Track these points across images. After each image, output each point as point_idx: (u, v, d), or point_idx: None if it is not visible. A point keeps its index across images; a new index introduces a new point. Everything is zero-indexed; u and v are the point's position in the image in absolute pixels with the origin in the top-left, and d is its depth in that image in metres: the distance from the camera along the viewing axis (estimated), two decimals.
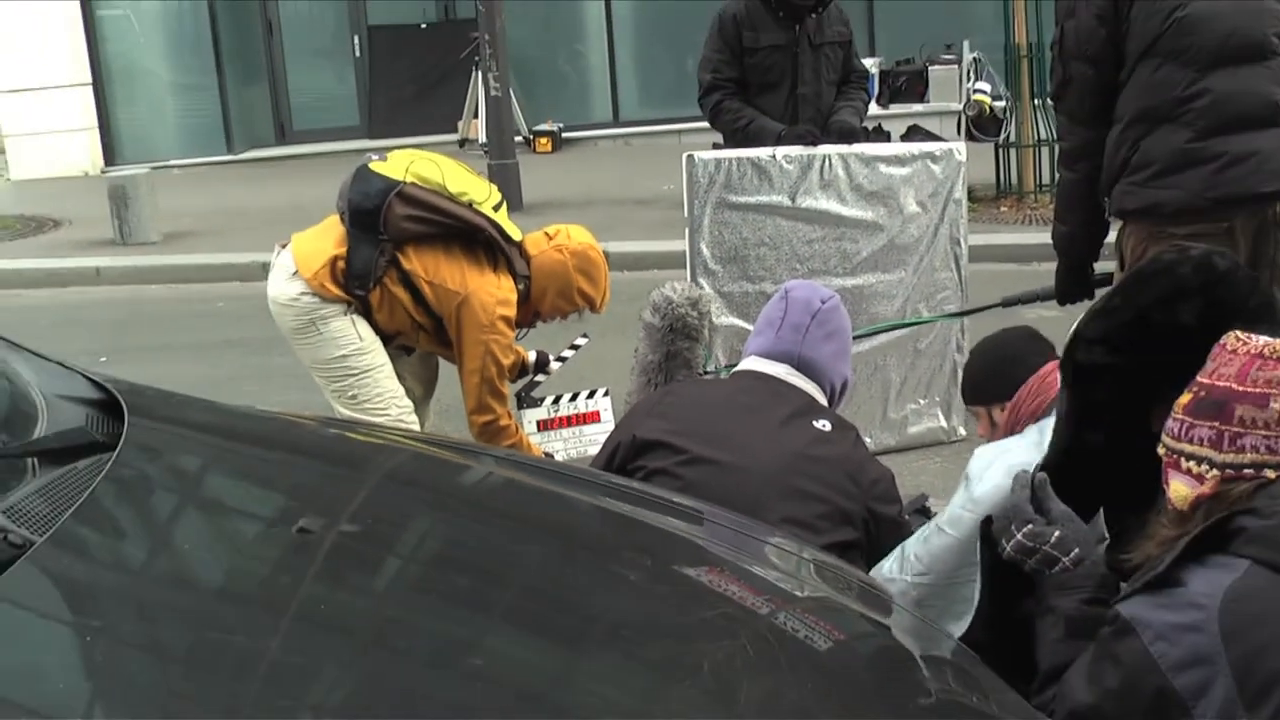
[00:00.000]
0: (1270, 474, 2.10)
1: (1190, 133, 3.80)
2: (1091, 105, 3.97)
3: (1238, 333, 2.22)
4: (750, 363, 3.21)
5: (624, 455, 3.03)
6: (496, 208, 4.36)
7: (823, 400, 3.17)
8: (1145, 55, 3.84)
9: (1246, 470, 2.11)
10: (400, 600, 1.79)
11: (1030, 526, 2.39)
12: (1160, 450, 2.23)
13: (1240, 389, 2.14)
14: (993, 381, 3.16)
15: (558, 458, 4.79)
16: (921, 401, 5.35)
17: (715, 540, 2.36)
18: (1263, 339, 2.19)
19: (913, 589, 2.71)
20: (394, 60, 15.59)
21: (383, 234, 4.19)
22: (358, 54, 15.89)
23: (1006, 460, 2.67)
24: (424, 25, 15.61)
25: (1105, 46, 3.89)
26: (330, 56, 16.23)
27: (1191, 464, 2.17)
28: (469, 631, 1.69)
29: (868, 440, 4.81)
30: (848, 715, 1.71)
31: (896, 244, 5.11)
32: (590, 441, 4.79)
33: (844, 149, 5.06)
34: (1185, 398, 2.21)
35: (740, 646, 1.78)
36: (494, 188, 4.44)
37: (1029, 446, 2.71)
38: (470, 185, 4.31)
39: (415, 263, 4.23)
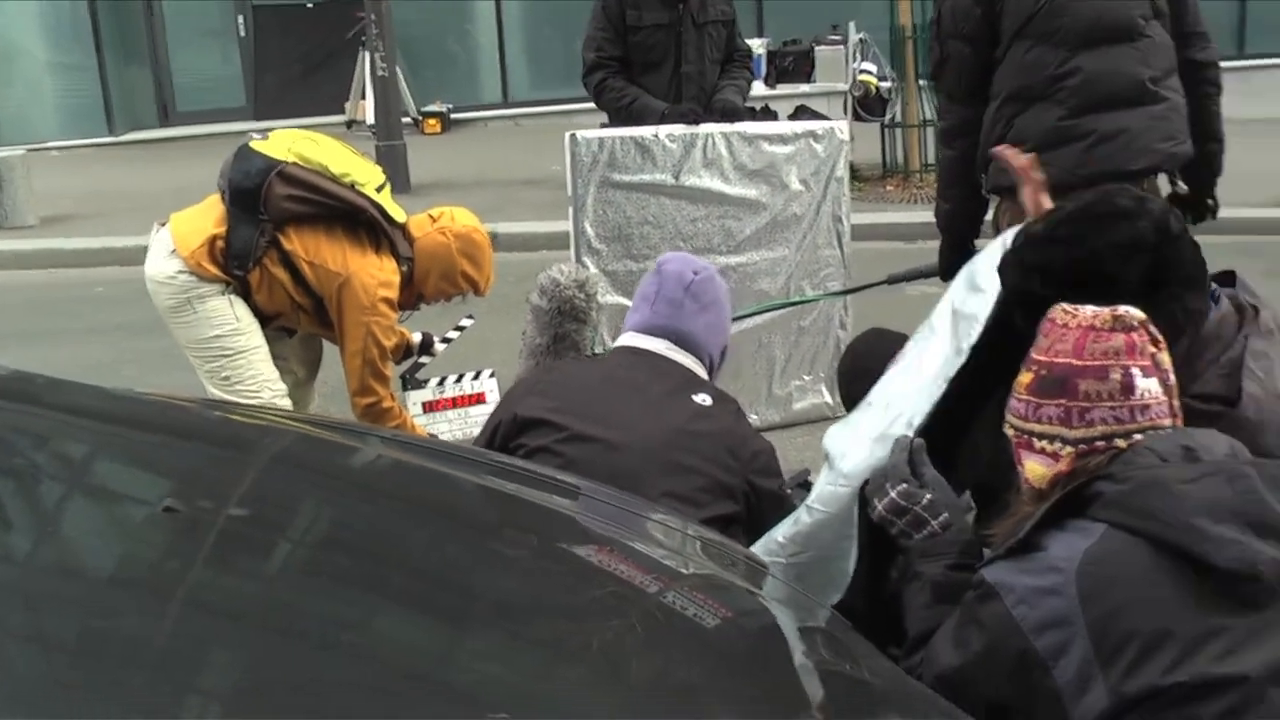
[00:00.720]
0: (1121, 443, 2.15)
1: (1062, 111, 3.88)
2: (968, 84, 4.03)
3: (1064, 305, 2.26)
4: (628, 339, 3.21)
5: (505, 433, 3.02)
6: (380, 189, 4.33)
7: (702, 373, 3.18)
8: (1019, 35, 3.91)
9: (1099, 442, 2.16)
10: (287, 583, 1.78)
11: (905, 486, 2.45)
12: (1008, 430, 2.27)
13: (1080, 364, 2.18)
14: (859, 384, 3.21)
15: (443, 439, 4.77)
16: (805, 378, 5.40)
17: (601, 518, 2.35)
18: (1090, 309, 2.23)
19: (791, 569, 2.73)
20: (280, 40, 15.37)
21: (263, 214, 4.14)
22: (243, 34, 15.64)
23: (863, 433, 2.70)
24: (310, 4, 15.41)
25: (981, 26, 3.95)
26: (215, 36, 15.95)
27: (1044, 443, 2.21)
28: (357, 613, 1.67)
29: (753, 417, 4.87)
30: (732, 691, 1.73)
31: (779, 222, 5.15)
32: (476, 423, 4.78)
33: (727, 128, 5.09)
34: (1026, 377, 2.25)
35: (629, 625, 1.79)
36: (377, 169, 4.41)
37: (876, 418, 2.74)
38: (353, 166, 4.27)
39: (296, 243, 4.19)
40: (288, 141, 4.22)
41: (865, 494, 2.52)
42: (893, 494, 2.44)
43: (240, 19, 15.59)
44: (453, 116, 14.95)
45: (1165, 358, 2.23)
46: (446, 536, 2.05)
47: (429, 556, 1.93)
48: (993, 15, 3.92)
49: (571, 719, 1.50)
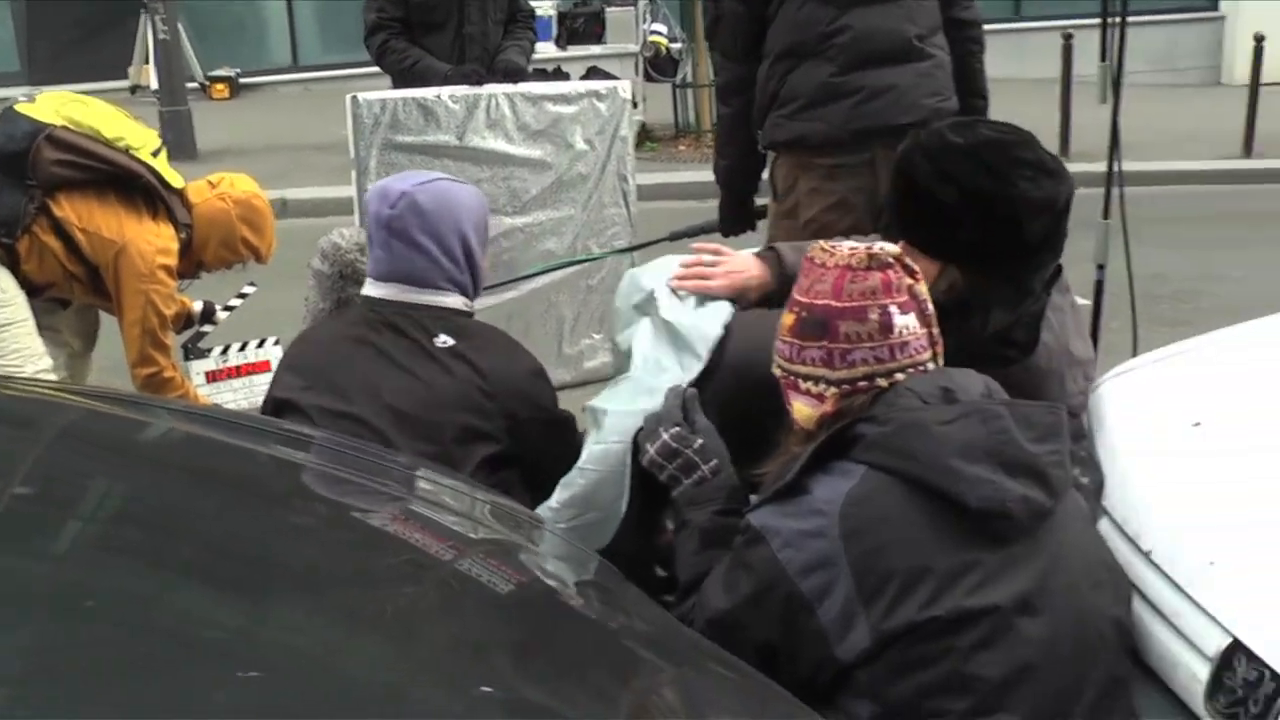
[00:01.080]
0: (883, 382, 2.22)
1: (832, 68, 3.97)
2: (742, 42, 4.10)
3: (823, 243, 2.31)
4: (367, 288, 3.10)
5: (270, 416, 3.00)
6: (155, 154, 4.22)
7: (449, 300, 3.04)
8: None
9: (861, 383, 2.22)
10: (79, 561, 1.73)
11: (677, 429, 2.46)
12: (776, 371, 2.32)
13: (839, 305, 2.22)
14: None
15: (228, 409, 4.69)
16: (596, 337, 5.45)
17: (391, 485, 2.35)
18: (847, 246, 2.28)
19: (573, 533, 2.71)
20: (55, 2, 14.74)
21: (31, 180, 4.00)
22: None
23: (630, 389, 2.72)
24: None
25: None
26: None
27: (809, 384, 2.26)
28: (151, 588, 1.64)
29: None
30: (511, 650, 1.74)
31: (564, 181, 5.17)
32: (261, 391, 4.65)
33: (510, 88, 5.08)
34: (789, 319, 2.29)
35: (423, 592, 1.79)
36: (152, 133, 4.29)
37: (643, 374, 2.76)
38: (127, 130, 4.15)
39: (68, 210, 4.06)
40: (56, 104, 4.08)
41: (638, 440, 2.54)
42: (665, 436, 2.46)
43: None
44: (241, 81, 14.60)
45: (922, 288, 2.28)
46: (239, 508, 2.02)
47: (222, 529, 1.89)
48: None
49: (372, 687, 1.49)
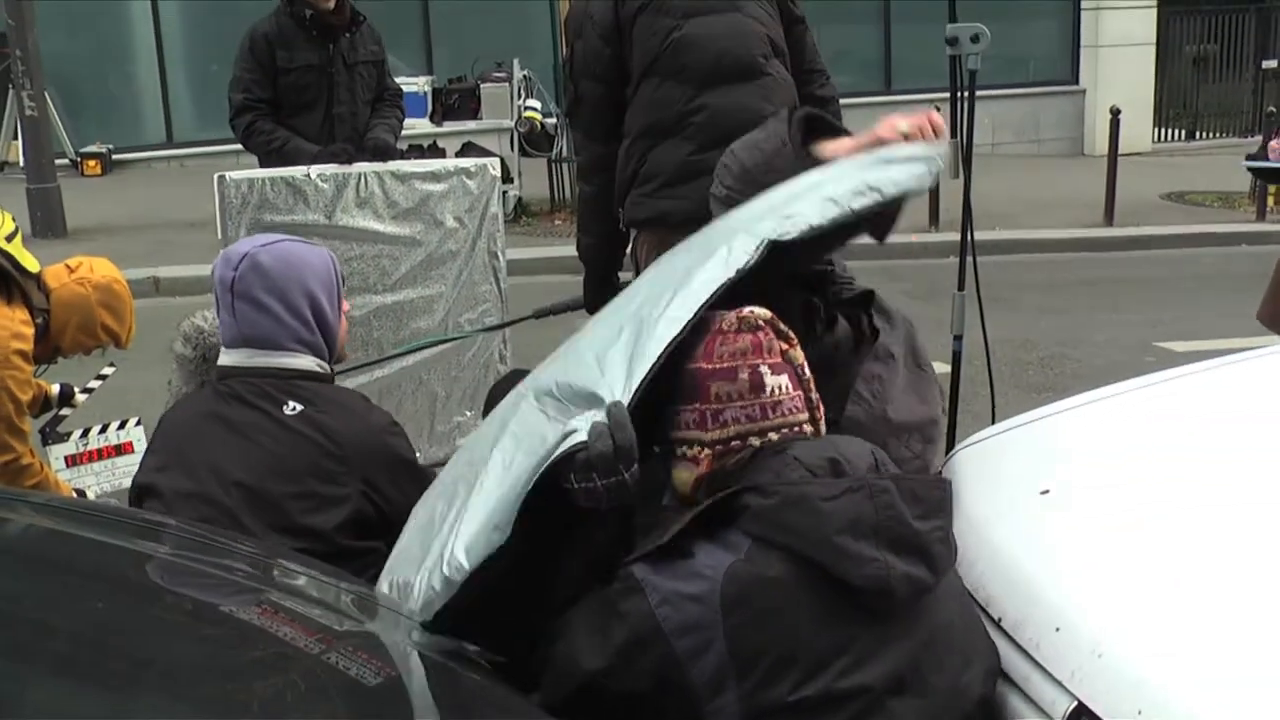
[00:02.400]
0: (756, 441, 2.23)
1: (691, 146, 4.03)
2: (602, 122, 4.15)
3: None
4: (221, 358, 3.07)
5: (134, 502, 2.96)
6: (10, 238, 4.14)
7: (299, 361, 3.00)
8: (648, 74, 4.05)
9: (734, 442, 2.23)
10: None
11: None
12: (656, 449, 2.32)
13: (709, 367, 2.25)
14: None
15: (90, 493, 4.60)
16: (468, 413, 5.43)
17: (258, 576, 2.32)
18: (717, 315, 2.30)
19: None
20: None
21: None
22: None
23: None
24: None
25: (611, 65, 4.07)
26: None
27: (685, 449, 2.27)
28: (16, 687, 1.60)
29: (418, 455, 4.87)
30: None
31: (435, 258, 5.18)
32: (124, 474, 4.61)
33: (379, 166, 5.09)
34: (666, 387, 2.28)
35: (291, 682, 1.77)
36: (8, 216, 4.22)
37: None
38: None
39: None
40: None
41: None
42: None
43: None
44: (114, 157, 14.40)
45: (798, 354, 2.31)
46: (105, 602, 1.98)
47: (88, 623, 1.86)
48: (622, 55, 4.06)
49: None
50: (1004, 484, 2.84)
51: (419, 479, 2.94)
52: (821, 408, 2.32)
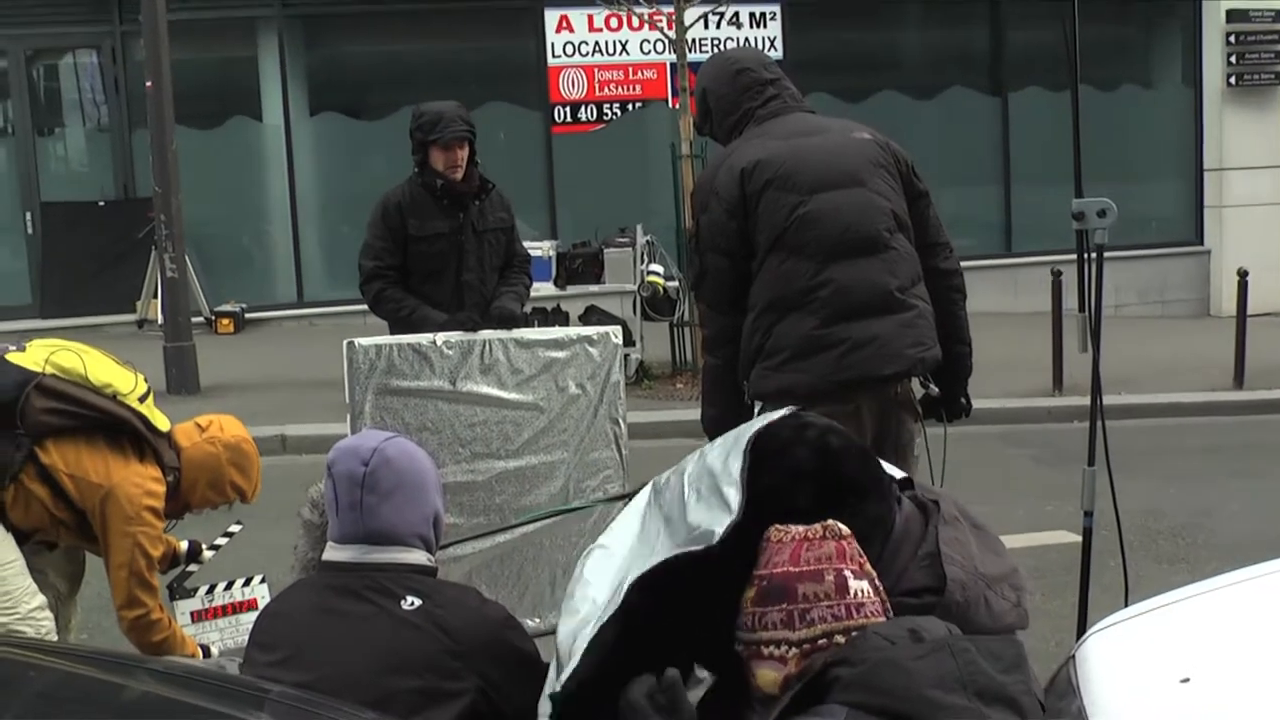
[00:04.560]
0: (841, 639, 2.30)
1: (816, 320, 4.06)
2: (728, 295, 4.20)
3: (777, 525, 2.43)
4: (328, 553, 3.09)
5: None
6: (143, 399, 4.28)
7: (414, 557, 3.04)
8: (773, 248, 4.10)
9: (821, 641, 2.31)
10: None
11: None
12: (738, 648, 2.38)
13: (796, 570, 2.35)
14: None
15: (214, 649, 4.65)
16: None
17: None
18: (800, 526, 2.41)
19: None
20: (69, 237, 15.04)
21: (19, 428, 4.05)
22: (30, 230, 15.32)
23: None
24: (102, 203, 15.19)
25: (736, 239, 4.14)
26: (2, 232, 15.56)
27: (771, 648, 2.34)
28: None
29: (535, 621, 4.85)
30: None
31: (556, 426, 5.21)
32: (247, 629, 4.66)
33: (503, 334, 5.17)
34: (750, 592, 2.39)
35: None
36: (139, 377, 4.36)
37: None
38: (114, 376, 4.22)
39: (55, 456, 4.09)
40: (45, 352, 4.16)
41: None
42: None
43: (28, 215, 15.28)
44: (247, 316, 14.82)
45: (871, 570, 2.43)
46: None
47: None
48: (747, 229, 4.12)
49: None
50: (1141, 670, 2.76)
51: (536, 673, 2.92)
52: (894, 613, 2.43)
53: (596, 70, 15.37)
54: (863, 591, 2.37)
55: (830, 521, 2.43)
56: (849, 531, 2.42)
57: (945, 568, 2.63)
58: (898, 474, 2.96)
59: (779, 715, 2.25)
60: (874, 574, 2.43)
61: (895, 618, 2.38)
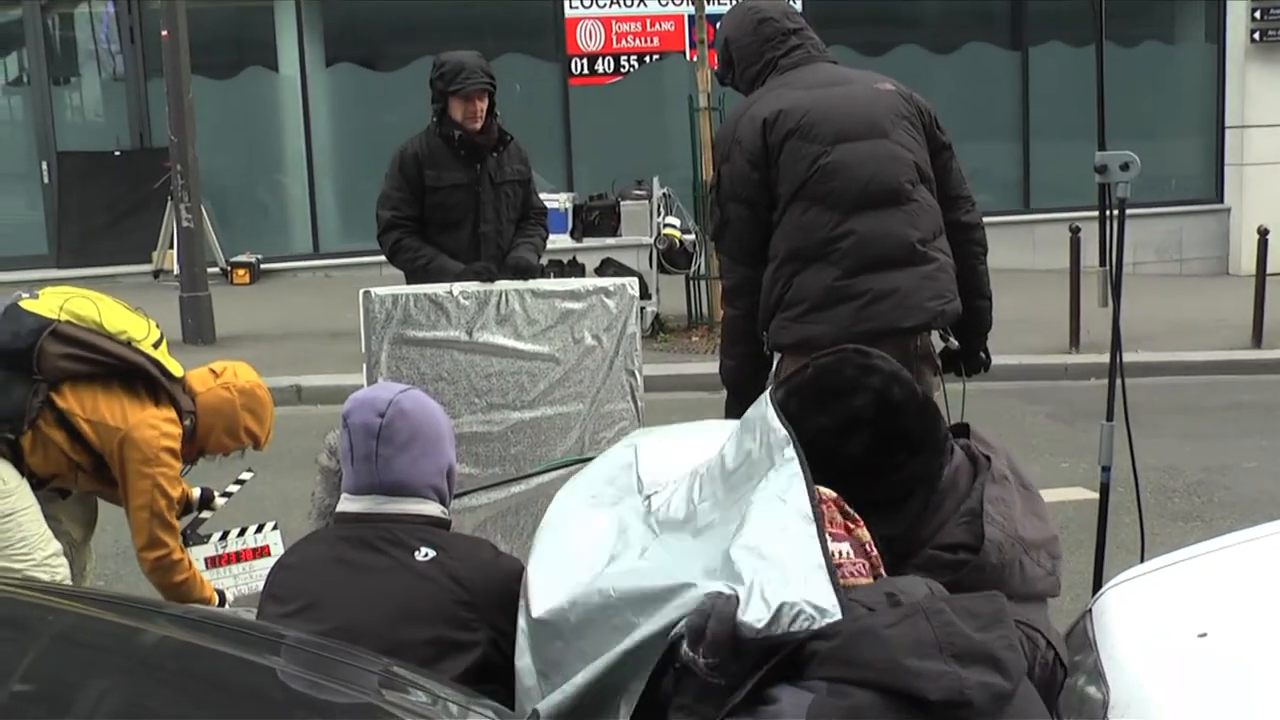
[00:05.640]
0: None
1: (838, 271, 4.03)
2: (748, 245, 4.17)
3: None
4: (342, 504, 3.08)
5: None
6: (156, 344, 4.30)
7: (428, 508, 3.05)
8: (795, 198, 4.07)
9: None
10: None
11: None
12: None
13: None
14: None
15: (229, 595, 4.68)
16: None
17: (395, 703, 2.33)
18: None
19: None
20: (85, 187, 15.05)
21: (36, 374, 4.06)
22: (46, 180, 15.32)
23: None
24: (118, 153, 15.18)
25: (758, 190, 4.10)
26: (18, 182, 15.58)
27: None
28: None
29: None
30: None
31: (572, 377, 5.21)
32: (262, 576, 4.64)
33: (520, 285, 5.15)
34: None
35: None
36: (152, 323, 4.37)
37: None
38: (128, 322, 4.23)
39: (72, 401, 4.11)
40: (59, 299, 4.17)
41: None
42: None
43: (44, 165, 15.27)
44: (262, 267, 14.82)
45: (864, 533, 2.42)
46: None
47: None
48: (769, 180, 4.08)
49: None
50: (1157, 626, 2.76)
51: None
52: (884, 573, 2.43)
53: (614, 22, 15.27)
54: (842, 553, 2.36)
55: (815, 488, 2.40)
56: (833, 498, 2.41)
57: (985, 528, 2.61)
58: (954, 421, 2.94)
59: (754, 688, 2.21)
60: (866, 540, 2.40)
61: (877, 580, 2.35)
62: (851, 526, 2.40)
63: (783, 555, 2.31)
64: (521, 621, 2.73)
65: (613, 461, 3.13)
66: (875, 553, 2.41)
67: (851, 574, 2.34)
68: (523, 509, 5.09)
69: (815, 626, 2.20)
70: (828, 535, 2.33)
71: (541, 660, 2.66)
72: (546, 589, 2.70)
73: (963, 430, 2.91)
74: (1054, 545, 2.77)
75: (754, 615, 2.22)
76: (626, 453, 3.11)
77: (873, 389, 2.65)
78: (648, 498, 2.86)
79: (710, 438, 2.89)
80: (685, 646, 2.30)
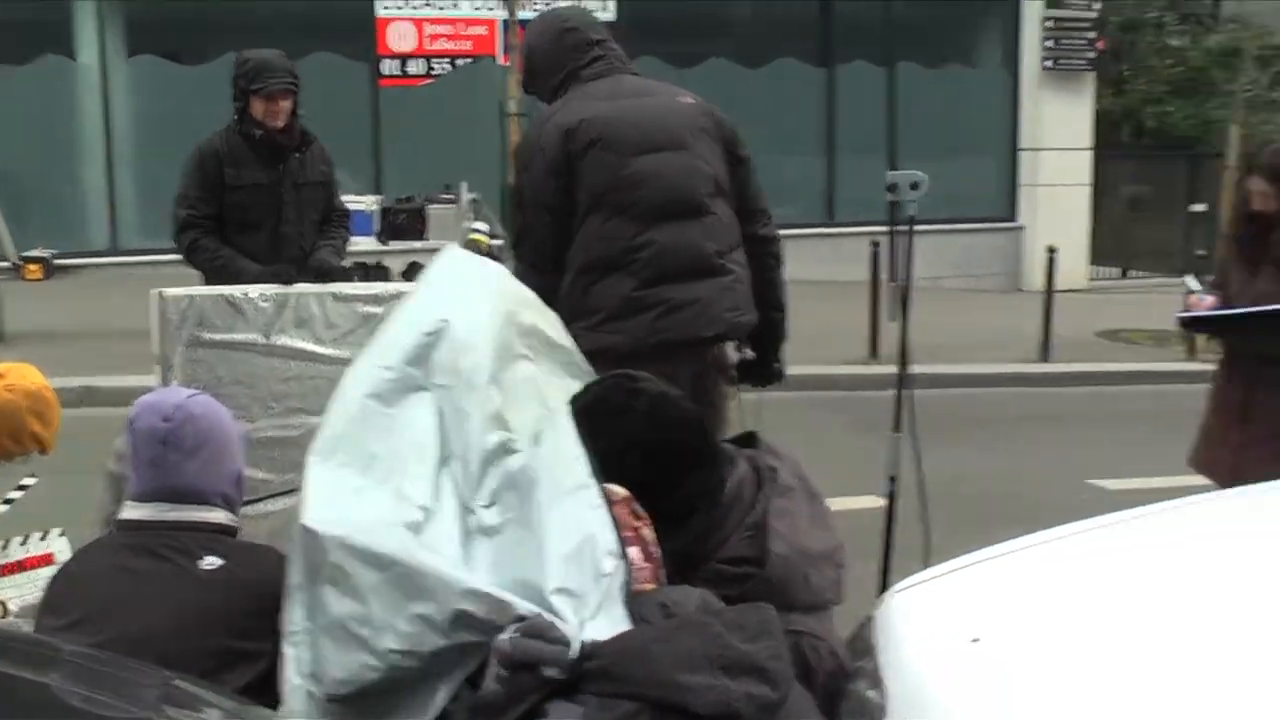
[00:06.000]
0: None
1: (635, 281, 4.08)
2: (548, 253, 4.19)
3: None
4: (126, 511, 3.00)
5: None
6: None
7: (215, 515, 2.97)
8: (595, 208, 4.10)
9: None
10: None
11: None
12: None
13: None
14: None
15: (11, 606, 4.49)
16: None
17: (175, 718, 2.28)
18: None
19: None
20: None
21: None
22: None
23: None
24: None
25: (558, 198, 4.12)
26: None
27: None
28: None
29: None
30: None
31: None
32: (44, 586, 4.52)
33: (320, 288, 5.07)
34: None
35: None
36: None
37: None
38: None
39: None
40: None
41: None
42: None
43: None
44: (56, 262, 14.31)
45: (649, 532, 2.46)
46: None
47: None
48: (570, 187, 4.11)
49: None
50: (935, 631, 2.85)
51: None
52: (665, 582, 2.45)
53: (426, 24, 15.16)
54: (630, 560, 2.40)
55: (607, 486, 2.45)
56: (624, 496, 2.45)
57: (769, 542, 2.67)
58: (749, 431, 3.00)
59: (531, 709, 2.23)
60: (652, 542, 2.45)
61: (652, 590, 2.39)
62: (639, 526, 2.44)
63: (584, 581, 2.34)
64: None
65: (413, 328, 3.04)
66: (658, 552, 2.45)
67: (638, 580, 2.38)
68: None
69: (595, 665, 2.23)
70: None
71: (305, 576, 2.62)
72: (336, 506, 2.65)
73: (749, 440, 2.97)
74: (838, 554, 2.85)
75: (556, 643, 2.24)
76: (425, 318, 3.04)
77: (640, 411, 2.72)
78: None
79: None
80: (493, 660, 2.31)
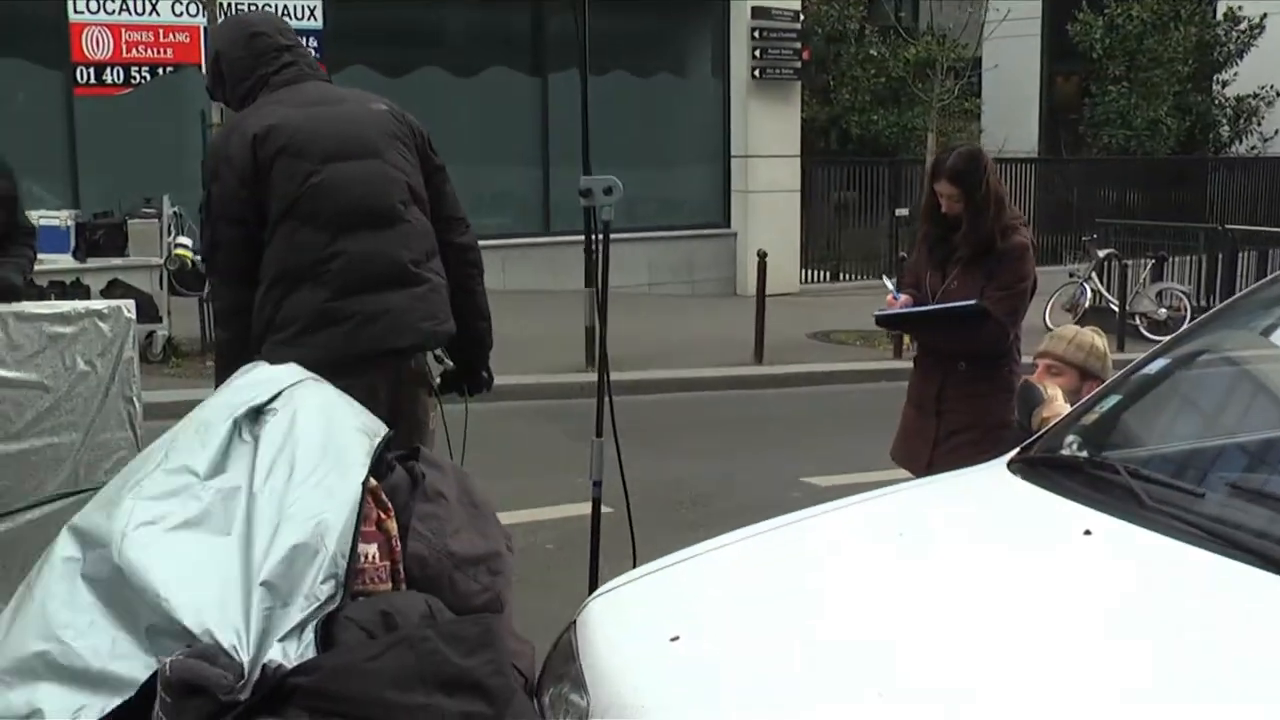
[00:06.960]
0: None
1: (328, 292, 4.01)
2: (240, 265, 4.08)
3: None
4: None
5: None
6: None
7: None
8: (285, 217, 4.01)
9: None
10: None
11: None
12: None
13: None
14: None
15: None
16: None
17: None
18: None
19: None
20: None
21: None
22: None
23: None
24: None
25: (249, 208, 4.02)
26: None
27: None
28: None
29: None
30: None
31: (63, 406, 4.91)
32: None
33: (2, 307, 4.82)
34: None
35: None
36: None
37: None
38: None
39: None
40: None
41: None
42: None
43: None
44: None
45: (392, 524, 2.44)
46: None
47: None
48: (260, 197, 4.01)
49: None
50: (635, 632, 2.88)
51: None
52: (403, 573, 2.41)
53: (124, 30, 14.55)
54: (366, 556, 2.38)
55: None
56: (372, 489, 2.43)
57: (410, 543, 2.68)
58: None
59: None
60: (394, 532, 2.44)
61: (377, 596, 2.35)
62: (383, 517, 2.41)
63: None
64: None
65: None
66: (399, 546, 2.44)
67: (373, 580, 2.34)
68: (12, 548, 4.75)
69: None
70: (359, 540, 2.33)
71: None
72: None
73: (414, 453, 2.99)
74: (495, 561, 2.87)
75: (228, 672, 2.17)
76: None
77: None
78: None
79: None
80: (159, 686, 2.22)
